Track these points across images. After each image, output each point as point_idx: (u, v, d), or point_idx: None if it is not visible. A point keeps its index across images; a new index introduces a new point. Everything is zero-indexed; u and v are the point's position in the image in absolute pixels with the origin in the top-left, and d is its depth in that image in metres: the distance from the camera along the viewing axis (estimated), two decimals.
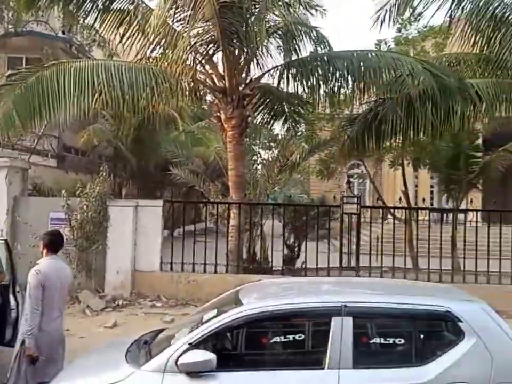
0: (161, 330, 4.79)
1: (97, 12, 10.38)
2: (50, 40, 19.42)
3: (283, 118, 11.97)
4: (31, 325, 4.65)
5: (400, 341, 3.99)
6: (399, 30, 15.95)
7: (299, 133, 15.64)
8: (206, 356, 3.60)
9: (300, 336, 3.98)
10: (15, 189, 10.10)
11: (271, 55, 10.60)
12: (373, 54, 10.22)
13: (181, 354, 3.65)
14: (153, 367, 3.73)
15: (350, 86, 10.21)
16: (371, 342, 4.00)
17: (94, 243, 9.75)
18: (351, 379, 3.60)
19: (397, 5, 9.23)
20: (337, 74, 9.95)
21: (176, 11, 8.91)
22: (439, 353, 3.75)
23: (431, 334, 4.08)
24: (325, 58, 10.16)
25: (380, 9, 9.27)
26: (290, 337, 3.97)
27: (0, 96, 9.69)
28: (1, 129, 9.47)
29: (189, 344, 3.72)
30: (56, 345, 4.88)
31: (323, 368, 3.64)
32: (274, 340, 4.09)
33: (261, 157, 23.83)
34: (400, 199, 11.88)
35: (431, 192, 24.12)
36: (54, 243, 5.00)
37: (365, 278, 8.51)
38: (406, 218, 11.30)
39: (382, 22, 9.44)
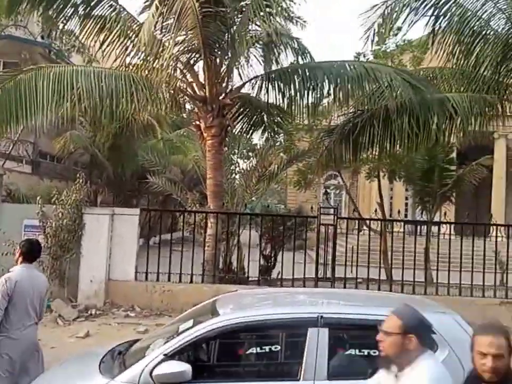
0: (136, 341, 4.73)
1: (77, 18, 10.32)
2: (29, 45, 19.21)
3: (262, 128, 12.01)
4: None
5: (375, 352, 4.01)
6: (377, 44, 16.22)
7: (278, 143, 15.75)
8: (182, 367, 3.57)
9: (275, 348, 3.97)
10: None
11: (251, 65, 10.69)
12: (353, 65, 10.34)
13: (156, 365, 3.61)
14: (127, 378, 3.68)
15: (329, 96, 10.31)
16: (346, 353, 4.01)
17: (68, 251, 9.60)
18: None
19: (384, 23, 9.34)
20: (317, 85, 10.03)
21: (159, 20, 8.87)
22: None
23: None
24: (305, 69, 10.24)
25: (368, 29, 9.34)
26: (266, 348, 3.96)
27: None
28: None
29: (164, 355, 3.68)
30: (29, 354, 4.79)
31: (298, 380, 3.64)
32: (250, 350, 4.07)
33: (239, 166, 23.84)
34: (375, 210, 12.02)
35: (406, 204, 24.47)
36: (31, 252, 4.94)
37: (340, 289, 8.56)
38: (381, 229, 11.43)
39: (372, 40, 9.54)
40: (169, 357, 3.67)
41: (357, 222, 12.11)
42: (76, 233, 9.64)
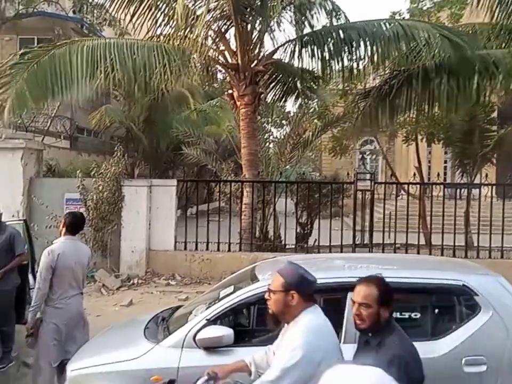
0: (178, 308, 4.84)
1: None
2: (61, 20, 19.41)
3: (295, 94, 11.82)
4: (35, 302, 4.78)
5: (415, 315, 4.00)
6: (413, 1, 15.63)
7: (311, 110, 15.52)
8: (224, 331, 3.64)
9: None
10: (30, 170, 10.16)
11: (283, 30, 10.47)
12: (388, 23, 9.97)
13: (199, 330, 3.70)
14: (172, 342, 3.79)
15: (365, 58, 10.03)
16: None
17: (109, 223, 9.83)
18: None
19: None
20: (352, 47, 9.75)
21: None
22: (454, 327, 3.75)
23: (446, 308, 4.07)
24: (339, 30, 9.93)
25: None
26: None
27: (13, 75, 9.67)
28: (14, 109, 9.45)
29: (207, 320, 3.76)
30: (75, 323, 4.96)
31: (339, 343, 3.66)
32: None
33: (272, 134, 23.72)
34: (414, 175, 11.78)
35: (445, 168, 23.89)
36: (75, 224, 5.05)
37: (379, 254, 8.51)
38: (420, 194, 11.21)
39: None
40: (211, 321, 3.75)
41: (394, 186, 11.90)
42: (116, 205, 9.84)
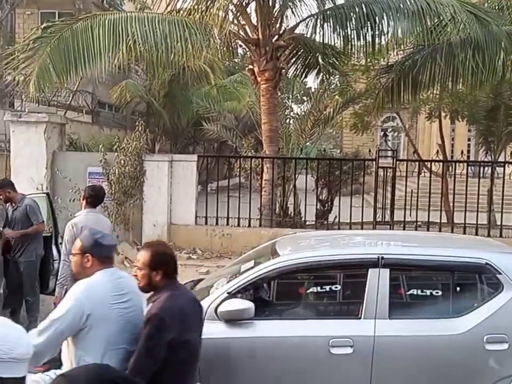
0: (199, 280, 4.91)
1: None
2: None
3: (316, 70, 11.68)
4: (61, 275, 4.88)
5: (437, 292, 4.00)
6: None
7: (333, 86, 15.32)
8: (245, 304, 3.69)
9: (336, 287, 4.03)
10: (53, 144, 10.28)
11: (305, 4, 10.28)
12: None
13: (220, 303, 3.75)
14: None
15: (388, 33, 9.85)
16: (407, 293, 4.02)
17: (131, 197, 9.94)
18: (387, 329, 3.64)
19: None
20: (374, 21, 9.57)
21: None
22: (476, 305, 3.74)
23: (468, 286, 4.07)
24: (362, 4, 9.75)
25: None
26: (327, 287, 4.02)
27: (36, 50, 9.72)
28: (38, 83, 9.53)
29: (228, 293, 3.80)
30: None
31: (359, 318, 3.70)
32: (310, 290, 4.15)
33: (292, 111, 23.55)
34: (437, 152, 11.62)
35: (468, 146, 23.51)
36: (94, 197, 5.11)
37: (400, 231, 8.47)
38: (442, 171, 11.07)
39: None
40: (232, 295, 3.80)
41: (417, 164, 11.77)
42: (138, 179, 9.94)
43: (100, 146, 10.26)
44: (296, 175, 11.49)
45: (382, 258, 3.72)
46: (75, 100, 17.66)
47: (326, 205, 12.11)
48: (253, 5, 10.18)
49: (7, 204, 6.31)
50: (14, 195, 6.18)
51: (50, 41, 9.56)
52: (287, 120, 15.11)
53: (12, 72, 10.85)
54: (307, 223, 10.88)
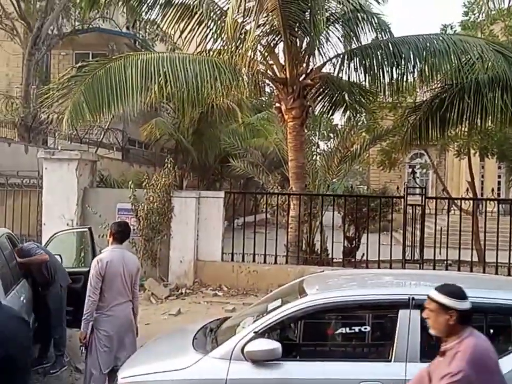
0: (226, 319, 4.88)
1: (158, 7, 10.62)
2: (115, 36, 20.12)
3: (343, 107, 11.78)
4: (86, 310, 4.90)
5: None
6: (465, 14, 15.28)
7: (360, 123, 15.37)
8: (272, 344, 3.64)
9: (365, 328, 3.94)
10: (84, 181, 10.52)
11: (332, 44, 10.46)
12: (440, 38, 9.84)
13: (247, 343, 3.71)
14: (220, 354, 3.82)
15: (415, 72, 9.91)
16: None
17: (159, 233, 10.02)
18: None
19: None
20: (401, 61, 9.67)
21: (240, 3, 8.88)
22: (510, 348, 3.62)
23: (502, 328, 3.94)
24: (389, 44, 9.88)
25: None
26: (356, 329, 3.94)
27: (70, 88, 10.06)
28: (71, 120, 9.81)
29: (255, 332, 3.77)
30: (125, 330, 5.07)
31: (389, 361, 3.60)
32: (339, 331, 4.07)
33: (319, 147, 23.66)
34: (467, 190, 11.45)
35: (499, 183, 23.11)
36: (120, 233, 5.17)
37: (430, 271, 8.29)
38: (473, 209, 10.88)
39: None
40: (259, 334, 3.76)
41: (446, 202, 11.60)
42: (166, 215, 10.03)
43: (130, 182, 10.44)
44: (323, 212, 11.44)
45: (413, 299, 3.64)
46: (106, 138, 18.14)
47: (353, 242, 11.96)
48: (280, 45, 10.42)
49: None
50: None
51: (84, 79, 9.90)
52: (314, 157, 15.17)
53: (46, 110, 11.26)
54: (334, 260, 10.75)
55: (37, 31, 17.77)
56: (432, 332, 2.88)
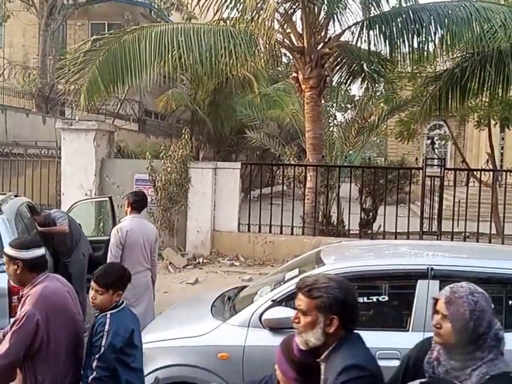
0: (243, 288, 4.92)
1: None
2: (131, 5, 19.93)
3: (361, 77, 11.57)
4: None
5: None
6: None
7: (378, 93, 15.12)
8: (290, 312, 3.65)
9: (383, 298, 3.95)
10: (102, 151, 10.58)
11: (351, 11, 10.21)
12: (462, 5, 9.57)
13: (265, 310, 3.75)
14: (238, 321, 3.87)
15: (436, 40, 9.68)
16: None
17: (176, 203, 10.10)
18: None
19: None
20: (422, 28, 9.43)
21: None
22: None
23: None
24: (409, 12, 9.63)
25: None
26: (374, 298, 3.94)
27: (86, 62, 10.07)
28: (88, 94, 9.88)
29: (272, 301, 3.80)
30: (144, 297, 5.16)
31: (407, 331, 3.61)
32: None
33: (336, 118, 23.39)
34: (487, 161, 11.27)
35: None
36: (138, 202, 5.23)
37: (447, 242, 8.25)
38: (492, 181, 10.72)
39: None
40: (277, 303, 3.79)
41: (465, 173, 11.46)
42: (183, 186, 10.09)
43: (147, 153, 10.48)
44: (340, 183, 11.39)
45: (432, 269, 3.63)
46: (123, 109, 18.14)
47: (370, 214, 11.92)
48: (298, 14, 10.22)
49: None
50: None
51: (99, 53, 9.92)
52: (331, 128, 15.02)
53: (62, 82, 11.29)
54: (350, 232, 10.75)
55: (52, 1, 17.63)
56: (11, 281, 3.15)
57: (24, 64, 18.55)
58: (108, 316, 3.03)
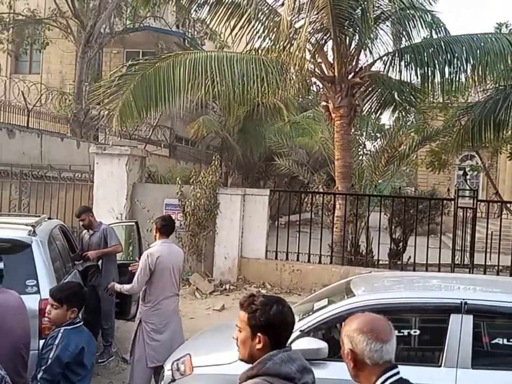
0: None
1: (208, 5, 10.73)
2: (165, 34, 20.46)
3: (392, 107, 11.57)
4: (125, 290, 5.11)
5: None
6: None
7: (409, 123, 15.06)
8: (319, 344, 3.62)
9: (414, 332, 3.86)
10: (134, 176, 10.74)
11: (382, 42, 10.28)
12: (494, 37, 9.55)
13: (293, 341, 3.69)
14: None
15: (467, 71, 9.64)
16: (492, 342, 3.78)
17: (204, 229, 10.13)
18: (470, 379, 3.44)
19: None
20: (454, 59, 9.43)
21: (291, 1, 8.86)
22: None
23: None
24: (441, 43, 9.66)
25: None
26: (405, 332, 3.86)
27: (120, 86, 10.31)
28: (121, 118, 10.07)
29: (301, 331, 3.75)
30: (169, 321, 5.13)
31: (439, 366, 3.52)
32: None
33: (365, 147, 23.32)
34: None
35: None
36: (165, 227, 5.24)
37: (480, 275, 8.04)
38: None
39: None
40: (305, 333, 3.74)
41: (498, 205, 11.21)
42: (212, 212, 10.13)
43: (177, 179, 10.60)
44: (369, 212, 11.27)
45: (465, 303, 3.55)
46: (154, 134, 18.48)
47: (400, 244, 11.74)
48: (329, 44, 10.33)
49: (84, 232, 6.64)
50: (94, 220, 6.53)
51: (134, 78, 10.13)
52: (360, 157, 14.98)
53: (97, 107, 11.59)
54: (380, 262, 10.58)
55: (90, 30, 18.29)
56: None
57: (60, 89, 19.16)
58: (62, 330, 3.10)
